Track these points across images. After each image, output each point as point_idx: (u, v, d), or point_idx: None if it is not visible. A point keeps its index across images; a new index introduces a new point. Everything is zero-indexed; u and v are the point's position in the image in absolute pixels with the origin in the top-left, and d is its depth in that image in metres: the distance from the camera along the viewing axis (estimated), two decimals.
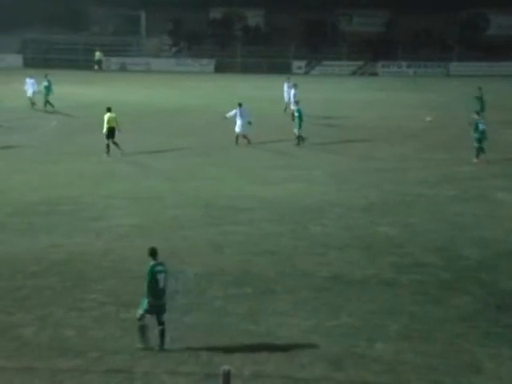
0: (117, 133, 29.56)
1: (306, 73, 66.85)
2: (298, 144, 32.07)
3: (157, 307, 13.66)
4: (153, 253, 13.81)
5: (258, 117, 34.11)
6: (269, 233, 20.51)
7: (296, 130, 32.21)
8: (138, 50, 70.54)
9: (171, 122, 38.19)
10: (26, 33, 67.69)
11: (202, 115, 40.28)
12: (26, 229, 20.43)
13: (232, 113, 32.45)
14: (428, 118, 39.27)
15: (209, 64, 67.65)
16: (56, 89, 41.16)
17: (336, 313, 15.44)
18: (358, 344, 14.09)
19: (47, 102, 40.54)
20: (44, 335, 14.17)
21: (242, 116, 32.02)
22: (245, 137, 32.09)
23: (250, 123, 31.99)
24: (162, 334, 13.69)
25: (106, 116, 29.79)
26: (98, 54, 65.30)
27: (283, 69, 63.74)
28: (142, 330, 13.81)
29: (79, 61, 65.73)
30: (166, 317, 13.80)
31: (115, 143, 29.50)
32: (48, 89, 40.71)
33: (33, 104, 40.93)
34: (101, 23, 71.81)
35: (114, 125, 29.53)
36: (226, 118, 32.91)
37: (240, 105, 32.30)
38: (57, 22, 67.19)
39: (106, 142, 29.48)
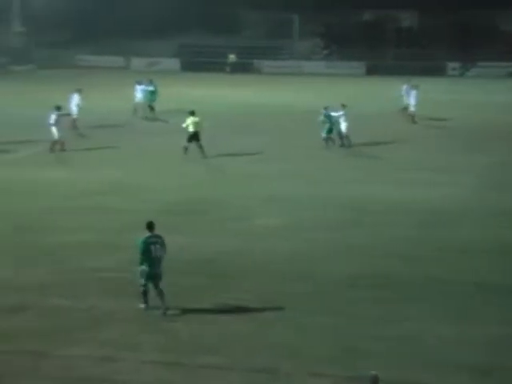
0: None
1: (461, 74, 65.13)
2: (327, 146, 32.04)
3: (153, 275, 15.02)
4: (149, 226, 15.33)
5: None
6: (409, 237, 20.17)
7: (323, 134, 32.03)
8: (290, 53, 71.16)
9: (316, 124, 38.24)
10: (182, 37, 69.99)
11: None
12: (168, 227, 20.88)
13: (339, 113, 32.56)
14: None
15: (359, 66, 67.25)
16: (209, 92, 41.98)
17: (482, 321, 14.93)
18: (509, 355, 13.56)
19: (150, 107, 40.22)
20: (191, 331, 14.53)
21: (346, 117, 32.35)
22: (341, 138, 32.40)
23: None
24: (162, 296, 15.06)
25: (189, 120, 29.81)
26: (231, 57, 66.62)
27: (437, 71, 62.45)
28: (144, 293, 15.20)
29: (234, 64, 67.10)
30: (162, 284, 15.07)
31: (200, 145, 29.62)
32: (153, 94, 40.51)
33: (135, 110, 40.40)
34: (253, 27, 73.04)
35: (197, 129, 29.63)
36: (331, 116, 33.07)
37: (344, 106, 32.59)
38: (211, 26, 69.00)
39: (185, 144, 29.62)
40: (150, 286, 15.21)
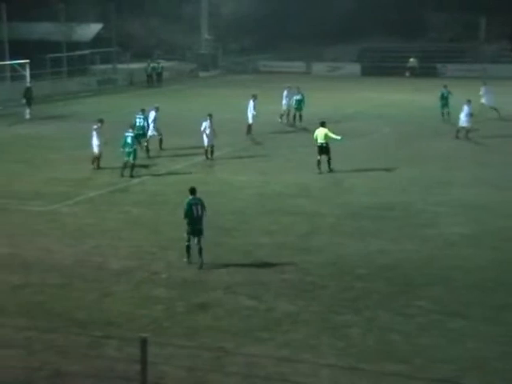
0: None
1: None
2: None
3: (195, 230, 17.97)
4: (192, 191, 18.26)
5: None
6: None
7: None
8: (475, 56, 68.99)
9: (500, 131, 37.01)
10: (363, 42, 69.84)
11: None
12: (356, 232, 21.09)
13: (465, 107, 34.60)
14: None
15: None
16: (389, 96, 41.31)
17: None
18: None
19: (295, 115, 39.35)
20: (370, 337, 14.46)
21: (465, 112, 34.59)
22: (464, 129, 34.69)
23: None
24: (200, 251, 17.99)
25: (317, 131, 28.25)
26: (411, 61, 65.27)
27: None
28: (188, 249, 18.15)
29: (414, 68, 66.05)
30: (202, 239, 18.01)
31: (327, 160, 28.01)
32: (299, 102, 39.28)
33: (281, 116, 39.93)
34: (437, 30, 71.55)
35: (323, 141, 27.90)
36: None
37: (469, 101, 34.80)
38: (393, 30, 68.34)
39: (318, 158, 28.05)
40: (193, 242, 17.98)
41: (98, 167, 28.84)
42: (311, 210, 23.35)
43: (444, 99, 39.94)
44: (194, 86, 60.19)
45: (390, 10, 70.12)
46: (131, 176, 27.64)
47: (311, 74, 67.88)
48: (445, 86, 40.24)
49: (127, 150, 27.77)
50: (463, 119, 34.46)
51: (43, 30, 62.98)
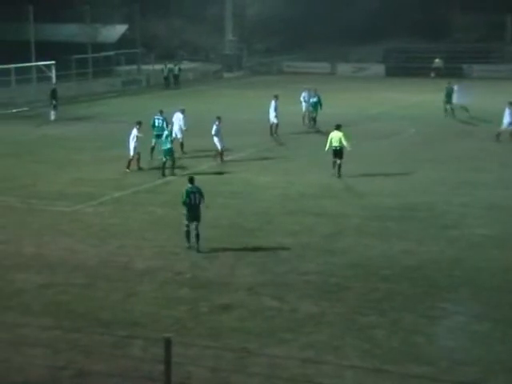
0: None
1: None
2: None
3: (192, 217, 19.14)
4: (190, 180, 19.55)
5: None
6: None
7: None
8: (501, 57, 68.45)
9: None
10: (388, 42, 69.58)
11: None
12: (380, 233, 20.99)
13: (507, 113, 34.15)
14: None
15: None
16: (415, 97, 41.15)
17: None
18: None
19: (313, 118, 38.60)
20: (394, 339, 14.37)
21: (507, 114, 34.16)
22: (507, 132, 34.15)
23: None
24: (197, 237, 19.23)
25: (332, 134, 27.68)
26: (436, 61, 64.78)
27: None
28: (187, 234, 19.29)
29: (439, 68, 65.65)
30: (199, 225, 19.20)
31: (338, 164, 27.42)
32: (316, 105, 38.65)
33: (304, 118, 39.33)
34: (463, 30, 71.10)
35: (338, 144, 27.35)
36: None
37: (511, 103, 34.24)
38: (418, 30, 68.00)
39: (333, 160, 27.59)
40: (192, 227, 19.17)
41: (129, 168, 28.84)
42: (335, 210, 23.29)
43: (448, 96, 41.50)
44: (217, 87, 60.25)
45: (414, 11, 69.80)
46: (163, 175, 27.82)
47: (336, 75, 67.70)
48: (449, 83, 42.08)
49: (163, 148, 28.06)
50: (505, 122, 33.87)
51: (69, 31, 63.49)
